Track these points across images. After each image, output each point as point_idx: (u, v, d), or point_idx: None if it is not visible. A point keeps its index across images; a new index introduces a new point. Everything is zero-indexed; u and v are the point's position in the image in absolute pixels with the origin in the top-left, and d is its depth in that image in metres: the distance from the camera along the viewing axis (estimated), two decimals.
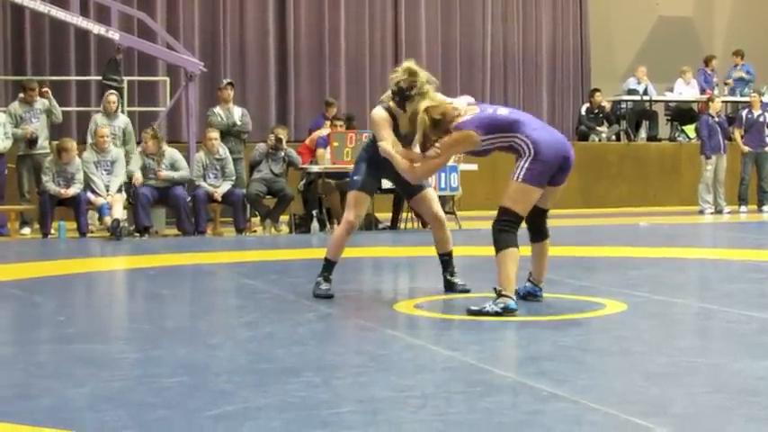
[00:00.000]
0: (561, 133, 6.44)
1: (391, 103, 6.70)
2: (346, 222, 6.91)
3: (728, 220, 15.93)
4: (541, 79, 20.52)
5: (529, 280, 6.58)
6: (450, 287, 7.07)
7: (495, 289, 6.04)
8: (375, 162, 6.86)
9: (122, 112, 13.82)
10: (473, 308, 6.01)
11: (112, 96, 13.50)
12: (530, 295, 6.56)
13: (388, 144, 6.59)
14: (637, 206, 18.30)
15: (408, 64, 6.61)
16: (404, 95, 6.54)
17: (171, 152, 13.00)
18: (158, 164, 12.74)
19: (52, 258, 10.23)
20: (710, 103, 17.25)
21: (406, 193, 7.22)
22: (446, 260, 7.12)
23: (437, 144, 6.19)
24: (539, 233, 6.46)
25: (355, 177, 6.94)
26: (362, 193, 6.92)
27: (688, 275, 8.83)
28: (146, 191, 12.59)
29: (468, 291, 7.00)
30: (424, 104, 6.24)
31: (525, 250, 6.37)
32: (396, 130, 6.69)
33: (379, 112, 6.75)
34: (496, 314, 5.88)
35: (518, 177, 6.05)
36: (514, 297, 6.01)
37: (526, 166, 6.03)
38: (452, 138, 6.16)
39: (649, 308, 6.48)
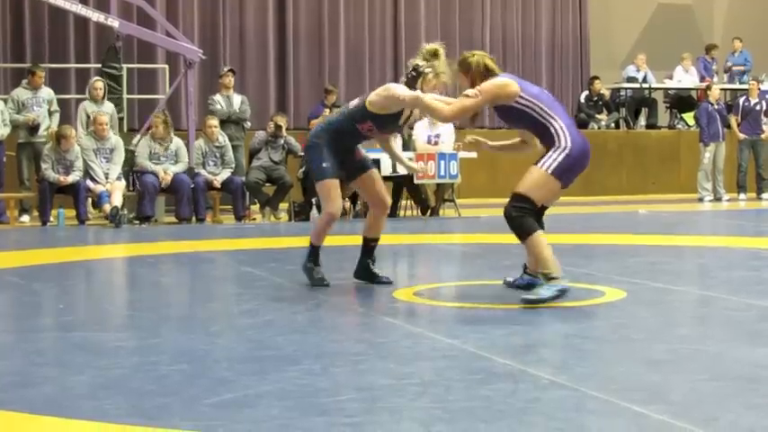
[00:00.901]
0: None
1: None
2: (328, 215, 6.68)
3: (727, 207, 15.92)
4: (541, 67, 20.49)
5: (525, 272, 6.49)
6: (369, 277, 6.87)
7: (541, 274, 5.91)
8: (333, 145, 6.66)
9: (117, 99, 13.77)
10: (529, 297, 5.83)
11: (99, 83, 13.44)
12: (531, 286, 6.51)
13: (414, 94, 6.37)
14: (636, 194, 18.29)
15: (434, 47, 6.54)
16: (418, 73, 6.48)
17: (177, 141, 13.04)
18: (164, 149, 12.77)
19: (51, 246, 10.23)
20: (709, 91, 17.24)
21: (348, 173, 6.91)
22: (373, 246, 6.91)
23: (477, 87, 6.01)
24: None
25: (324, 165, 6.63)
26: (336, 180, 6.70)
27: (687, 263, 8.83)
28: (152, 179, 12.59)
29: (390, 283, 6.81)
30: (482, 53, 6.19)
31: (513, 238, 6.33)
32: (398, 115, 6.62)
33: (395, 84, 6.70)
34: (552, 299, 5.78)
35: (548, 168, 5.88)
36: (564, 277, 5.86)
37: (559, 159, 5.88)
38: (493, 82, 5.99)
39: (648, 295, 6.47)
